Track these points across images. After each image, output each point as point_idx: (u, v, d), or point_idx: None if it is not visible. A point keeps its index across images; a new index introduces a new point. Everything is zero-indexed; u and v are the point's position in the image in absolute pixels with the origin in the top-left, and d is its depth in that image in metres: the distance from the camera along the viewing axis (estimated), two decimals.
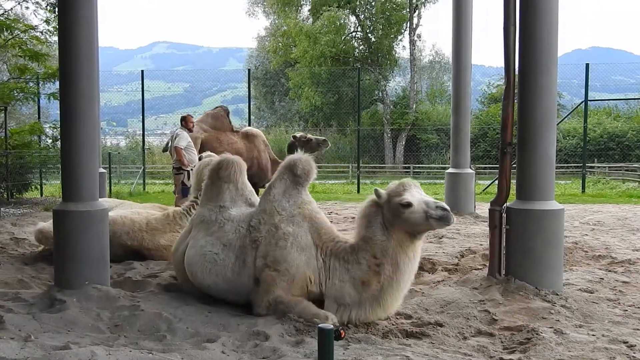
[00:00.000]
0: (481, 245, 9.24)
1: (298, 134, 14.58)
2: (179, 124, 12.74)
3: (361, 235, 5.53)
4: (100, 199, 6.94)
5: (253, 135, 14.89)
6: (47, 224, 8.55)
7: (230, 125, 14.91)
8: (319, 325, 3.08)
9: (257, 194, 14.02)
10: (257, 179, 14.11)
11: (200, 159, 7.90)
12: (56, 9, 17.32)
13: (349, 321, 5.46)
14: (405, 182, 5.44)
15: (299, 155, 6.09)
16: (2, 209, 14.53)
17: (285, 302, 5.46)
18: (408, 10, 44.53)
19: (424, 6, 45.36)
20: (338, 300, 5.51)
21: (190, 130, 12.55)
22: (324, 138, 14.76)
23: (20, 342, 4.65)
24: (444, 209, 5.22)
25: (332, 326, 3.08)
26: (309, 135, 14.54)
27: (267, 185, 6.24)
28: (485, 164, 35.25)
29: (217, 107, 15.19)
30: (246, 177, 6.76)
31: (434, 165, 37.86)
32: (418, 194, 5.36)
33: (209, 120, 14.57)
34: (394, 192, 5.37)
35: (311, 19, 47.41)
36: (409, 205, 5.22)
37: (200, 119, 14.62)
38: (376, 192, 5.46)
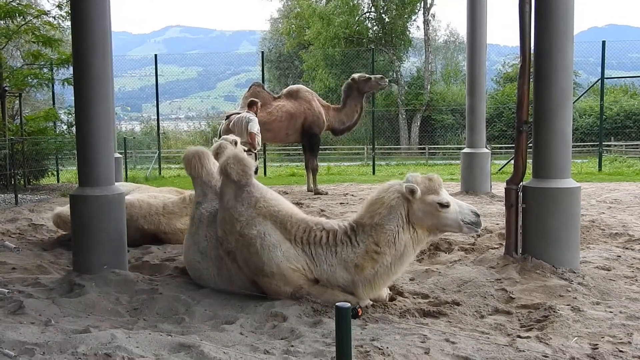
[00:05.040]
0: (497, 224, 9.23)
1: (356, 75, 14.97)
2: (246, 107, 13.13)
3: (374, 220, 5.30)
4: (116, 183, 6.98)
5: (296, 90, 15.40)
6: (65, 208, 8.61)
7: (271, 94, 15.40)
8: (336, 304, 3.08)
9: (317, 143, 14.00)
10: (316, 128, 14.93)
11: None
12: None
13: None
14: (437, 179, 5.31)
15: (226, 157, 5.88)
16: (19, 195, 14.61)
17: (307, 294, 5.38)
18: None
19: None
20: (331, 283, 5.43)
21: (256, 115, 12.93)
22: (381, 75, 15.27)
23: (40, 326, 4.71)
24: (477, 215, 5.24)
25: (348, 304, 3.07)
26: (367, 75, 15.07)
27: (218, 190, 6.09)
28: (501, 144, 35.10)
29: (250, 87, 15.49)
30: (211, 165, 6.60)
31: (450, 146, 37.73)
32: (449, 194, 5.36)
33: None
34: (429, 189, 5.23)
35: (324, 0, 47.19)
36: (448, 205, 5.17)
37: (242, 104, 14.79)
38: (411, 189, 5.20)
